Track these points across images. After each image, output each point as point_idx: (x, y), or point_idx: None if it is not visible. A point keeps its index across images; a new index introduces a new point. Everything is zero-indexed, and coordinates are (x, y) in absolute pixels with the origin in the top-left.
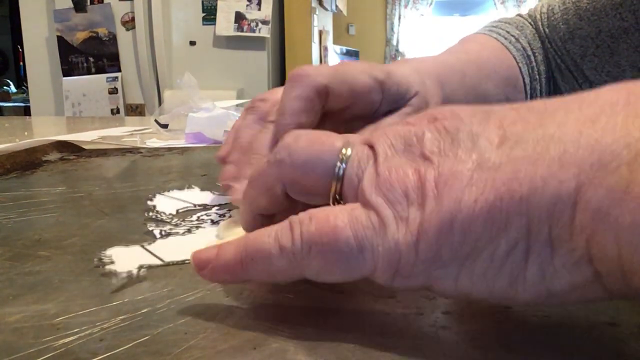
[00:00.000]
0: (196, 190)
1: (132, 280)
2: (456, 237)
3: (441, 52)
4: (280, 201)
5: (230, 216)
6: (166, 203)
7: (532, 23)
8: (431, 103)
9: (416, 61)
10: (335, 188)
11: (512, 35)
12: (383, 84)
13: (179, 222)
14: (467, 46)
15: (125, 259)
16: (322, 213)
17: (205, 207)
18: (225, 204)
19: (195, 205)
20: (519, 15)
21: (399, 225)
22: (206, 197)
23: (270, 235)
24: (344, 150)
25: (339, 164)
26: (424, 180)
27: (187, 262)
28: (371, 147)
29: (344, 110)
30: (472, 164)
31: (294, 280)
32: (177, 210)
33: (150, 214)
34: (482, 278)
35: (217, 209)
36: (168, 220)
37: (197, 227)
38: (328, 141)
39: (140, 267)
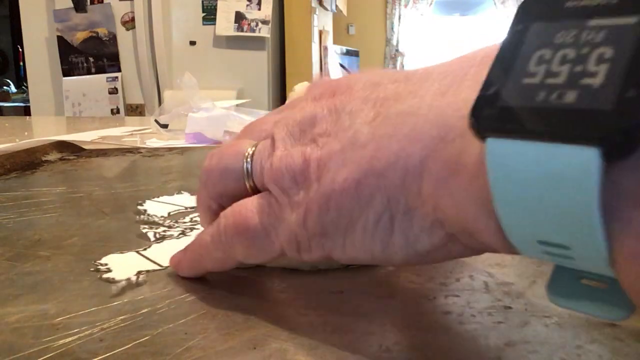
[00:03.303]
0: (186, 195)
1: (131, 285)
2: (333, 213)
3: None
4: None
5: None
6: (157, 207)
7: None
8: None
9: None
10: (249, 186)
11: None
12: None
13: (172, 223)
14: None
15: (122, 266)
16: (238, 207)
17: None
18: None
19: (186, 208)
20: None
21: (292, 208)
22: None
23: (207, 233)
24: (248, 150)
25: (244, 165)
26: (308, 164)
27: None
28: (273, 140)
29: None
30: (346, 143)
31: (236, 266)
32: (169, 213)
33: (142, 217)
34: (361, 245)
35: None
36: (161, 222)
37: (192, 229)
38: (234, 149)
39: (139, 273)
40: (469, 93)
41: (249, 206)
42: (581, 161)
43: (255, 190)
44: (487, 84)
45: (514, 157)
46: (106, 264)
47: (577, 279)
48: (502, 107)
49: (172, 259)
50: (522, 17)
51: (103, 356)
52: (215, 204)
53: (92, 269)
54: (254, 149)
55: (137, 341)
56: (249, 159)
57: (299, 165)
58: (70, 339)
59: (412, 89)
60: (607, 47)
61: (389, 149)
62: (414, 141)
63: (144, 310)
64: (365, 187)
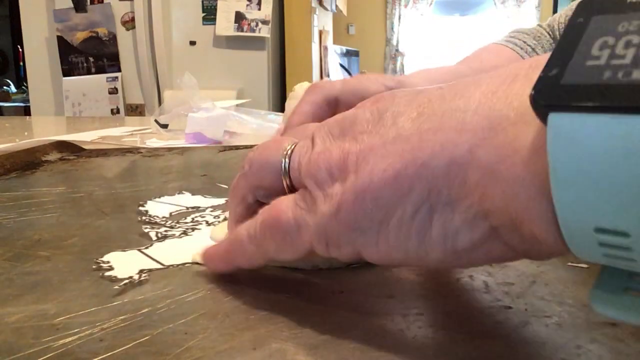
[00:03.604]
0: (187, 195)
1: (133, 284)
2: (369, 204)
3: (456, 62)
4: (255, 208)
5: (225, 217)
6: (158, 208)
7: (550, 33)
8: None
9: (428, 71)
10: (286, 182)
11: (529, 45)
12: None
13: (173, 224)
14: (482, 56)
15: (124, 264)
16: (275, 202)
17: (198, 209)
18: (218, 205)
19: (187, 208)
20: (539, 25)
21: (325, 200)
22: (198, 201)
23: (243, 227)
24: (288, 148)
25: (283, 160)
26: (347, 157)
27: (187, 264)
28: (312, 138)
29: None
30: (388, 138)
31: (266, 263)
32: (170, 213)
33: (144, 217)
34: (395, 241)
35: (211, 210)
36: (162, 223)
37: (193, 229)
38: (277, 144)
39: (141, 271)
40: (522, 89)
41: (284, 202)
42: None
43: (292, 189)
44: (548, 66)
45: (578, 130)
46: (108, 262)
47: (623, 289)
48: (566, 84)
49: (204, 253)
50: (582, 11)
51: (103, 356)
52: (251, 196)
53: (94, 267)
54: (293, 146)
55: (137, 341)
56: (287, 157)
57: (337, 159)
58: (70, 339)
59: (458, 92)
60: None
61: (435, 140)
62: (462, 132)
63: (144, 310)
64: (405, 178)
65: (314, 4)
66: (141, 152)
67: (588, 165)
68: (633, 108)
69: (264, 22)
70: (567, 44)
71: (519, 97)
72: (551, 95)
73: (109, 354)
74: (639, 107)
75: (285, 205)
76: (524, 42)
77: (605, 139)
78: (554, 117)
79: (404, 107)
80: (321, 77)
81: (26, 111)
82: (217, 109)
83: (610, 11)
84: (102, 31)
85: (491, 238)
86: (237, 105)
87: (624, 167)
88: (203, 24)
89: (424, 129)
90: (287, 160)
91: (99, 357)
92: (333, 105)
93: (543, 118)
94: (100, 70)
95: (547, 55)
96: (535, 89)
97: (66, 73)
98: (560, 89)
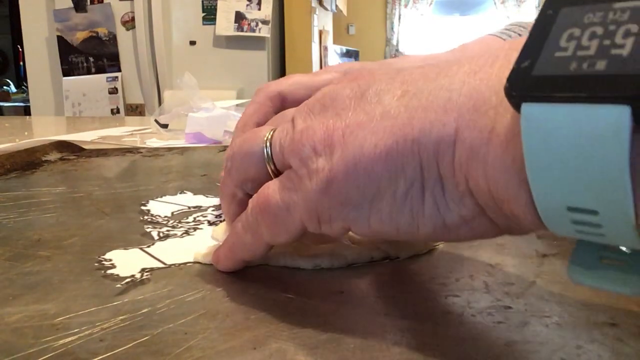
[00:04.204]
0: (189, 195)
1: (135, 283)
2: (361, 179)
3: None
4: (247, 203)
5: None
6: (160, 207)
7: None
8: None
9: (410, 57)
10: (271, 168)
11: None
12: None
13: (175, 223)
14: (468, 46)
15: (126, 262)
16: (262, 188)
17: (200, 208)
18: (220, 204)
19: (189, 208)
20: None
21: (310, 177)
22: (199, 200)
23: (238, 220)
24: (267, 135)
25: (264, 147)
26: (332, 132)
27: (189, 264)
28: (293, 120)
29: None
30: (375, 115)
31: (267, 251)
32: (172, 213)
33: (146, 217)
34: (388, 216)
35: (213, 209)
36: (164, 222)
37: (195, 229)
38: (255, 134)
39: (143, 270)
40: (502, 71)
41: (271, 185)
42: (613, 118)
43: (278, 174)
44: (521, 58)
45: (548, 119)
46: (110, 260)
47: (598, 259)
48: (537, 76)
49: (214, 256)
50: (551, 3)
51: (103, 356)
52: (240, 192)
53: (96, 264)
54: (272, 132)
55: (137, 341)
56: (268, 143)
57: (321, 135)
58: (70, 339)
59: (441, 71)
60: (632, 24)
61: (424, 118)
62: (449, 111)
63: (144, 310)
64: (397, 154)
65: (314, 4)
66: (141, 152)
67: (559, 151)
68: (596, 97)
69: (264, 22)
70: (537, 36)
71: (500, 80)
72: (523, 87)
73: (109, 354)
74: (601, 97)
75: (272, 188)
76: (519, 35)
77: (572, 126)
78: (526, 107)
79: (386, 84)
80: None
81: (26, 111)
82: (217, 109)
83: (578, 2)
84: (102, 31)
85: (479, 215)
86: (237, 105)
87: (590, 152)
88: (203, 24)
89: (411, 106)
90: (268, 145)
91: (99, 357)
92: (277, 101)
93: (517, 108)
94: (100, 70)
95: (524, 38)
96: (509, 81)
97: (66, 73)
98: (531, 81)
